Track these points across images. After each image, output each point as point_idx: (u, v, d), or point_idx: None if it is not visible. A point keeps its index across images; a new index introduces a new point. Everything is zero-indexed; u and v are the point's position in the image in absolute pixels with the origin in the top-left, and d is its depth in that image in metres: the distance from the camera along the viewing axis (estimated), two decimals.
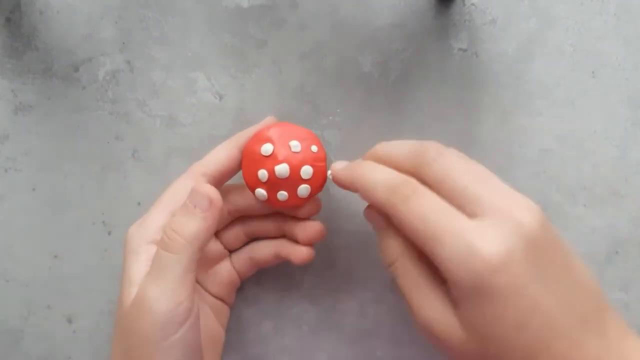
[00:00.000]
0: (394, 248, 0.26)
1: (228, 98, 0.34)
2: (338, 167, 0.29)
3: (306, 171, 0.29)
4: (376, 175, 0.26)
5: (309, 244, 0.30)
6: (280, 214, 0.31)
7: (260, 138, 0.30)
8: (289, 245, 0.31)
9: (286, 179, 0.29)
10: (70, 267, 0.34)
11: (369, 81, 0.34)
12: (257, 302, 0.34)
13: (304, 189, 0.29)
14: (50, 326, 0.34)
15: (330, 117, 0.34)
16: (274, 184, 0.29)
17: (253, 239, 0.33)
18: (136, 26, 0.34)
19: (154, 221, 0.28)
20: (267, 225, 0.32)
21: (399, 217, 0.24)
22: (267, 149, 0.29)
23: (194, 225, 0.26)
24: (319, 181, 0.30)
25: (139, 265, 0.27)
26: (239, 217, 0.32)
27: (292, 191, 0.29)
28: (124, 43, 0.34)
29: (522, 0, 0.33)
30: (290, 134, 0.30)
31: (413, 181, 0.25)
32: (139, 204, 0.34)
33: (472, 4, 0.33)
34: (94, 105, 0.34)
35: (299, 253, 0.30)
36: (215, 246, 0.31)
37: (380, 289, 0.34)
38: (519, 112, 0.34)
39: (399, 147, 0.27)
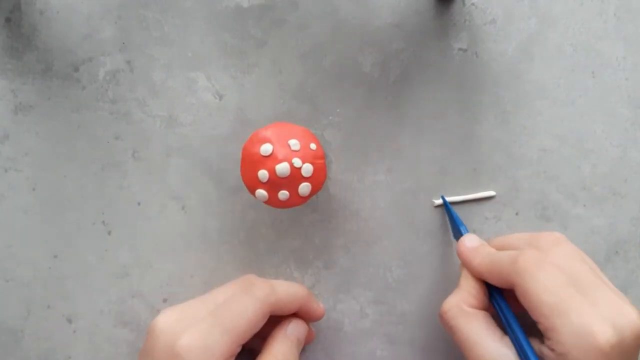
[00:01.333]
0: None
1: (228, 98, 0.34)
2: (468, 244, 0.31)
3: (307, 169, 0.29)
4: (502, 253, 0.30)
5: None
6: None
7: (258, 139, 0.29)
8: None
9: (287, 177, 0.29)
10: (70, 267, 0.34)
11: (369, 81, 0.34)
12: None
13: (305, 187, 0.29)
14: (50, 326, 0.34)
15: (330, 117, 0.34)
16: (274, 183, 0.29)
17: None
18: (136, 26, 0.34)
19: (222, 351, 0.26)
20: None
21: (525, 287, 0.27)
22: (266, 149, 0.29)
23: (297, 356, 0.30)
24: (319, 178, 0.30)
25: None
26: None
27: (294, 190, 0.29)
28: (124, 43, 0.34)
29: (522, 0, 0.33)
30: (288, 133, 0.30)
31: (541, 255, 0.28)
32: (139, 204, 0.34)
33: (472, 4, 0.33)
34: (94, 105, 0.34)
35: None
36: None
37: (380, 289, 0.34)
38: (519, 112, 0.34)
39: (517, 236, 0.31)
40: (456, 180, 0.34)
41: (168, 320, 0.27)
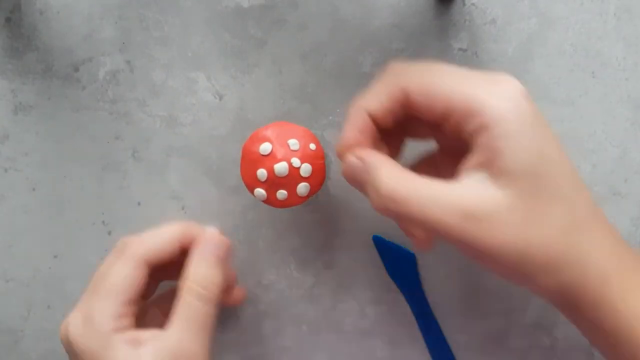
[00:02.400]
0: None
1: (228, 98, 0.34)
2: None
3: (305, 169, 0.29)
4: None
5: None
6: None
7: (258, 138, 0.30)
8: None
9: (286, 177, 0.29)
10: (70, 267, 0.34)
11: (369, 81, 0.34)
12: (257, 302, 0.34)
13: (303, 187, 0.29)
14: (50, 326, 0.34)
15: (330, 117, 0.34)
16: (273, 183, 0.29)
17: None
18: (136, 26, 0.34)
19: (105, 313, 0.26)
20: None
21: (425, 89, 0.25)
22: (265, 148, 0.29)
23: (220, 274, 0.28)
24: (318, 179, 0.30)
25: (122, 353, 0.26)
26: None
27: (292, 190, 0.29)
28: (124, 43, 0.34)
29: (522, 0, 0.33)
30: (288, 133, 0.30)
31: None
32: (139, 204, 0.34)
33: (472, 4, 0.33)
34: (94, 105, 0.34)
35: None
36: (141, 303, 0.29)
37: (380, 289, 0.34)
38: None
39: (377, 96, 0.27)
40: None
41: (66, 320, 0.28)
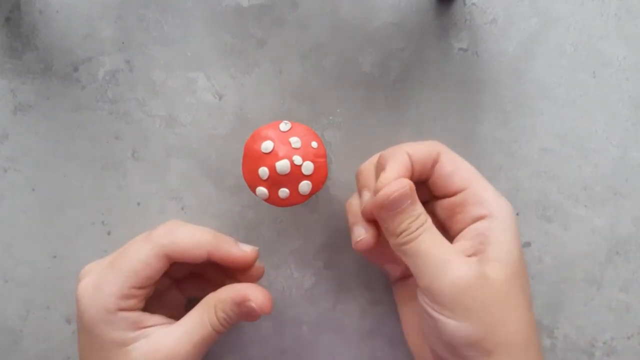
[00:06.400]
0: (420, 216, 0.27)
1: (228, 98, 0.34)
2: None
3: (307, 167, 0.29)
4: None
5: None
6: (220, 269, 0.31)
7: (260, 136, 0.30)
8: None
9: (287, 175, 0.29)
10: (70, 267, 0.34)
11: (369, 81, 0.34)
12: None
13: (305, 186, 0.29)
14: (50, 326, 0.34)
15: (330, 117, 0.34)
16: (275, 181, 0.29)
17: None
18: (136, 26, 0.34)
19: (113, 292, 0.27)
20: (209, 270, 0.32)
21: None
22: (267, 146, 0.29)
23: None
24: (320, 177, 0.30)
25: (120, 333, 0.27)
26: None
27: (294, 188, 0.29)
28: (123, 43, 0.34)
29: (522, 0, 0.33)
30: (290, 131, 0.30)
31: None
32: (138, 204, 0.34)
33: (473, 4, 0.33)
34: (93, 105, 0.34)
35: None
36: (163, 280, 0.30)
37: (380, 289, 0.34)
38: (520, 111, 0.34)
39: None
40: None
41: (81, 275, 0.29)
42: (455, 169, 0.29)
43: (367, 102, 0.34)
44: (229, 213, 0.34)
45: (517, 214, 0.34)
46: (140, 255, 0.28)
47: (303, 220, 0.34)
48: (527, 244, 0.34)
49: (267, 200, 0.30)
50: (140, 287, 0.28)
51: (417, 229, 0.26)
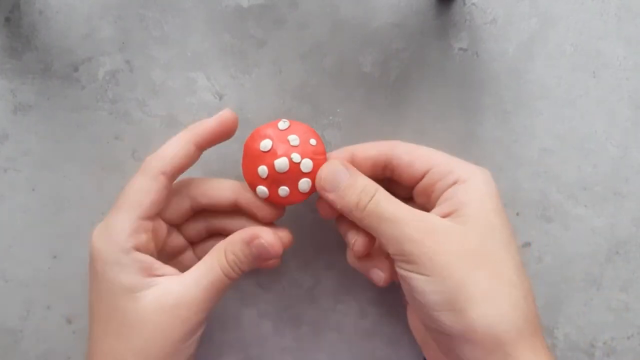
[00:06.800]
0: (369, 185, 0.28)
1: (228, 98, 0.34)
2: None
3: (306, 164, 0.29)
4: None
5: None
6: (242, 213, 0.31)
7: (259, 135, 0.30)
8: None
9: (286, 173, 0.29)
10: (70, 267, 0.34)
11: (369, 81, 0.34)
12: (257, 302, 0.34)
13: (304, 183, 0.29)
14: (50, 326, 0.34)
15: (330, 117, 0.34)
16: (274, 179, 0.29)
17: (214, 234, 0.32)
18: (136, 26, 0.34)
19: (123, 228, 0.27)
20: (229, 223, 0.31)
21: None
22: (266, 144, 0.29)
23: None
24: None
25: (131, 277, 0.27)
26: (200, 212, 0.31)
27: (293, 186, 0.29)
28: (123, 43, 0.34)
29: (522, 0, 0.33)
30: (289, 129, 0.30)
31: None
32: None
33: (473, 4, 0.33)
34: (93, 105, 0.34)
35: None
36: (178, 239, 0.31)
37: (380, 289, 0.34)
38: (520, 111, 0.34)
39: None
40: None
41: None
42: (413, 157, 0.29)
43: (367, 102, 0.34)
44: None
45: (517, 214, 0.34)
46: (138, 186, 0.28)
47: (303, 220, 0.34)
48: (527, 244, 0.34)
49: (267, 199, 0.30)
50: (147, 217, 0.28)
51: (370, 198, 0.27)
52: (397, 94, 0.34)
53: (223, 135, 0.30)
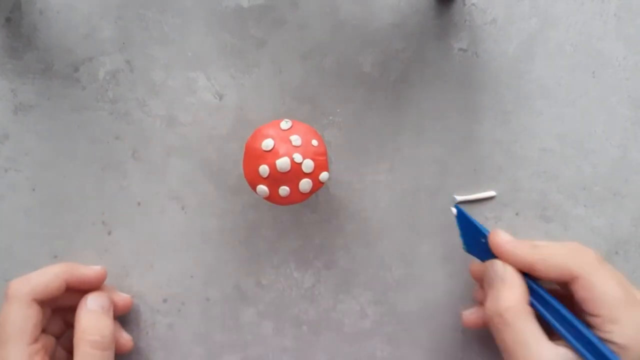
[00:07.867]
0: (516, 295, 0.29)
1: (228, 98, 0.34)
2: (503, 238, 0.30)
3: (307, 165, 0.29)
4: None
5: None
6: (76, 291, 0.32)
7: (261, 134, 0.30)
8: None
9: (287, 172, 0.29)
10: None
11: (369, 81, 0.34)
12: (257, 302, 0.34)
13: (305, 183, 0.29)
14: None
15: (330, 117, 0.34)
16: (275, 178, 0.29)
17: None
18: (136, 26, 0.34)
19: (16, 358, 0.28)
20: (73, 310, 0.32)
21: (590, 279, 0.28)
22: (268, 144, 0.29)
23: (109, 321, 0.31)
24: (320, 175, 0.30)
25: None
26: (56, 309, 0.32)
27: (294, 186, 0.29)
28: (123, 43, 0.34)
29: (522, 0, 0.33)
30: (291, 129, 0.30)
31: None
32: (138, 204, 0.34)
33: (473, 4, 0.33)
34: (93, 105, 0.34)
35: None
36: (48, 340, 0.31)
37: (380, 289, 0.34)
38: (520, 112, 0.34)
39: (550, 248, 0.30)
40: (456, 181, 0.34)
41: None
42: (590, 297, 0.27)
43: (367, 102, 0.34)
44: (229, 213, 0.34)
45: (517, 214, 0.34)
46: (16, 315, 0.29)
47: (303, 220, 0.34)
48: None
49: (267, 198, 0.30)
50: (35, 341, 0.29)
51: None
52: (397, 94, 0.34)
53: (92, 286, 0.32)
